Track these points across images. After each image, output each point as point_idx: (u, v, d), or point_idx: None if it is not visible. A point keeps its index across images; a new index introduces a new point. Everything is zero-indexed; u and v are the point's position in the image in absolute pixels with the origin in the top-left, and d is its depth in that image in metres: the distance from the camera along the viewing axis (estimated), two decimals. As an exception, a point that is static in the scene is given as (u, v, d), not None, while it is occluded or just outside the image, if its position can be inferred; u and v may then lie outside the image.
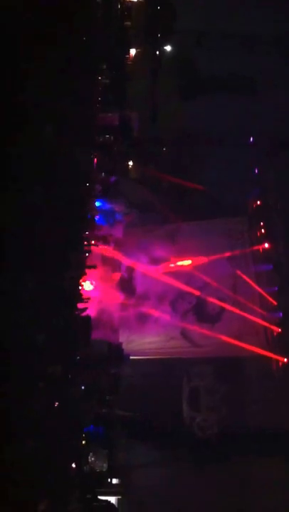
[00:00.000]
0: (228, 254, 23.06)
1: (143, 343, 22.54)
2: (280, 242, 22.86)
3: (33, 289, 12.78)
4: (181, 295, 23.42)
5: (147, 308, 23.07)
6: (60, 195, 13.21)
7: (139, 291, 23.32)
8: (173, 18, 21.61)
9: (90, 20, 16.54)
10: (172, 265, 23.22)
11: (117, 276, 22.76)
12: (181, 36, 22.64)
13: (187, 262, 23.14)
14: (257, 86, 23.30)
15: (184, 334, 22.82)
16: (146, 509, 18.74)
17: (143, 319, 22.88)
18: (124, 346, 20.90)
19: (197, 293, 23.24)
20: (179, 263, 23.18)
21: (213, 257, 22.91)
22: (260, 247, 23.08)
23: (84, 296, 18.42)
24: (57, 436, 14.21)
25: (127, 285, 23.22)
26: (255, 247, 23.21)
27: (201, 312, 23.15)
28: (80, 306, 17.99)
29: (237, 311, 22.46)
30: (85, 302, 18.78)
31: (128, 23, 19.68)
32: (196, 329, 22.73)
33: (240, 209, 24.13)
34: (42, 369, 13.99)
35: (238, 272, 22.92)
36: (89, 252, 18.74)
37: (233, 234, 23.59)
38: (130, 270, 23.41)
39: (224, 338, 22.06)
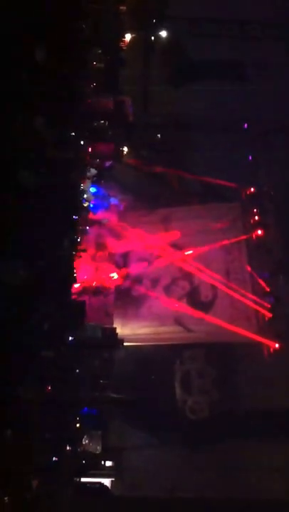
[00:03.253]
0: (221, 240, 23.20)
1: (137, 328, 22.66)
2: (272, 229, 23.04)
3: (26, 274, 12.89)
4: (175, 281, 23.55)
5: (141, 294, 23.20)
6: (52, 179, 13.29)
7: (133, 276, 23.42)
8: (166, 3, 21.51)
9: (84, 4, 16.50)
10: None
11: (111, 260, 22.85)
12: (174, 22, 22.56)
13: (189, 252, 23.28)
14: (249, 72, 23.29)
15: (177, 320, 22.96)
16: (139, 490, 19.06)
17: (137, 304, 23.00)
18: (118, 331, 21.05)
19: (191, 279, 23.45)
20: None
21: (206, 243, 23.07)
22: (254, 234, 23.27)
23: (78, 281, 18.67)
24: (51, 419, 14.43)
25: (121, 268, 23.32)
26: (249, 234, 23.38)
27: (194, 298, 23.29)
28: (73, 290, 18.20)
29: (230, 296, 22.67)
30: (79, 286, 19.03)
31: (123, 7, 19.59)
32: (189, 315, 22.86)
33: (234, 195, 24.23)
34: (36, 353, 14.14)
35: (231, 258, 23.12)
36: (83, 234, 18.84)
37: (227, 220, 23.70)
38: (124, 255, 23.52)
39: (217, 324, 22.22)
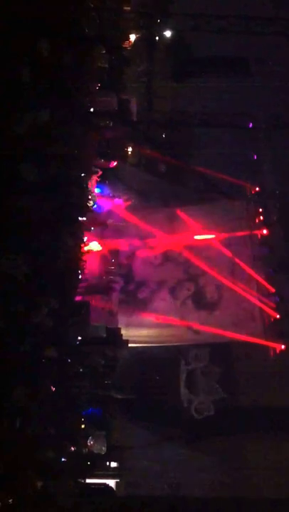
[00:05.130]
0: (226, 239, 23.16)
1: (142, 328, 22.62)
2: (277, 228, 22.98)
3: (29, 269, 12.87)
4: (180, 282, 23.50)
5: (146, 295, 23.16)
6: (56, 176, 13.30)
7: (138, 277, 23.39)
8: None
9: (89, 11, 16.57)
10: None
11: (115, 261, 22.80)
12: (177, 19, 22.61)
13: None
14: (253, 68, 23.30)
15: (183, 321, 22.90)
16: (143, 490, 19.01)
17: (142, 306, 22.96)
18: (122, 332, 21.00)
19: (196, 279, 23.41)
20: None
21: (211, 242, 23.04)
22: (258, 233, 23.20)
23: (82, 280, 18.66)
24: (55, 419, 14.37)
25: (125, 271, 23.29)
26: (253, 233, 23.32)
27: (200, 299, 23.24)
28: (77, 290, 18.17)
29: (235, 296, 22.60)
30: (83, 286, 19.01)
31: (127, 8, 19.68)
32: (194, 316, 22.81)
33: (239, 194, 24.23)
34: (39, 352, 14.11)
35: (236, 257, 23.04)
36: (88, 234, 18.84)
37: (232, 219, 23.67)
38: (129, 256, 23.48)
39: (222, 325, 22.16)
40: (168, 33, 22.84)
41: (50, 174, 13.14)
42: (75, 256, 17.36)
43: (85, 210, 18.64)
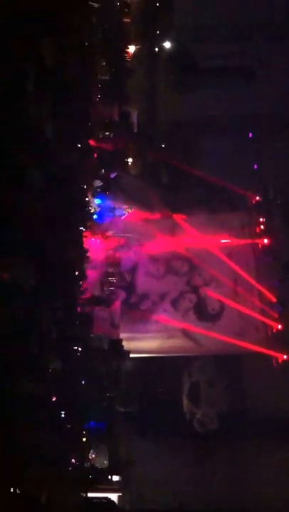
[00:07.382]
0: (228, 248, 23.11)
1: (144, 341, 22.51)
2: (279, 238, 22.94)
3: (35, 283, 12.87)
4: (182, 294, 23.43)
5: (149, 307, 23.08)
6: (58, 184, 13.35)
7: (140, 289, 23.32)
8: (170, 10, 21.80)
9: (88, 17, 16.74)
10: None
11: (116, 272, 22.73)
12: (178, 29, 22.80)
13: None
14: (254, 73, 23.42)
15: (185, 332, 22.80)
16: (146, 503, 18.76)
17: (144, 318, 22.86)
18: (125, 344, 20.88)
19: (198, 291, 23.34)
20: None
21: (213, 252, 22.97)
22: (260, 243, 23.16)
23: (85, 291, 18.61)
24: (57, 429, 14.25)
25: (128, 284, 23.23)
26: (255, 242, 23.28)
27: (202, 310, 23.15)
28: (80, 301, 18.13)
29: (237, 308, 22.50)
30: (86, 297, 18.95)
31: (128, 20, 19.85)
32: (197, 327, 22.71)
33: (241, 203, 24.24)
34: (42, 362, 14.04)
35: (238, 267, 22.97)
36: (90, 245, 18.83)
37: (234, 228, 23.64)
38: (131, 268, 23.44)
39: (225, 335, 22.04)
40: (168, 44, 23.04)
41: (51, 179, 13.20)
42: (77, 264, 17.38)
43: (86, 220, 18.71)
